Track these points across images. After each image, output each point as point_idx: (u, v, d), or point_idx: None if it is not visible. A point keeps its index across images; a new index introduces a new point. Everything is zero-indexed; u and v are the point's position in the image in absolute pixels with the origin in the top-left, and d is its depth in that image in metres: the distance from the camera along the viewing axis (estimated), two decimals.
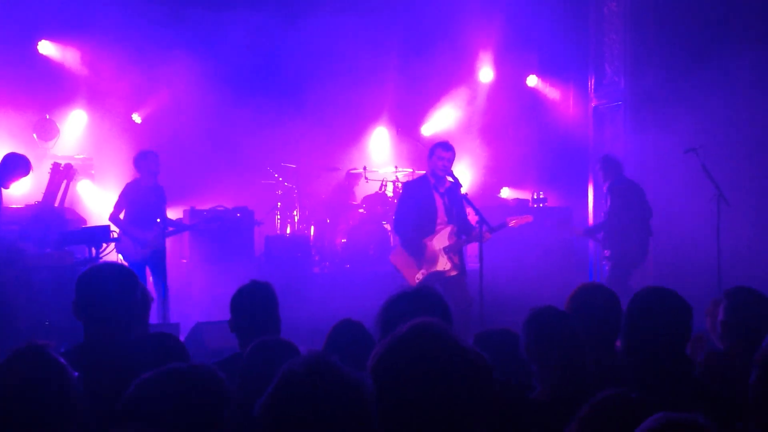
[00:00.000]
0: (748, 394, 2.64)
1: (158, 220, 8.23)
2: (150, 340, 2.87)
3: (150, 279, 8.22)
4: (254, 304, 3.57)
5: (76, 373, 2.27)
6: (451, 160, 7.05)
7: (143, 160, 8.19)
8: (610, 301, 3.64)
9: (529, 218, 7.33)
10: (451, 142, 7.29)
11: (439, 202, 7.09)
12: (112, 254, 7.81)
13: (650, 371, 3.07)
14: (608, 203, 8.35)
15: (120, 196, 8.16)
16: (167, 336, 2.88)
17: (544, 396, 2.94)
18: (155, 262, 8.17)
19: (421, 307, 3.05)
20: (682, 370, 3.12)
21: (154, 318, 7.76)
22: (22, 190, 8.61)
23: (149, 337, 2.93)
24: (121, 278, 3.17)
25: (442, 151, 7.03)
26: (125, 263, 8.08)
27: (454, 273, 7.04)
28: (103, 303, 3.05)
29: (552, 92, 11.67)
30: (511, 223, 7.11)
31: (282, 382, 1.90)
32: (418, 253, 7.02)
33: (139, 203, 8.10)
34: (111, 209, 8.13)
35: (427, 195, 7.11)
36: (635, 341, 3.21)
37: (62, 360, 2.26)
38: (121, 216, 8.07)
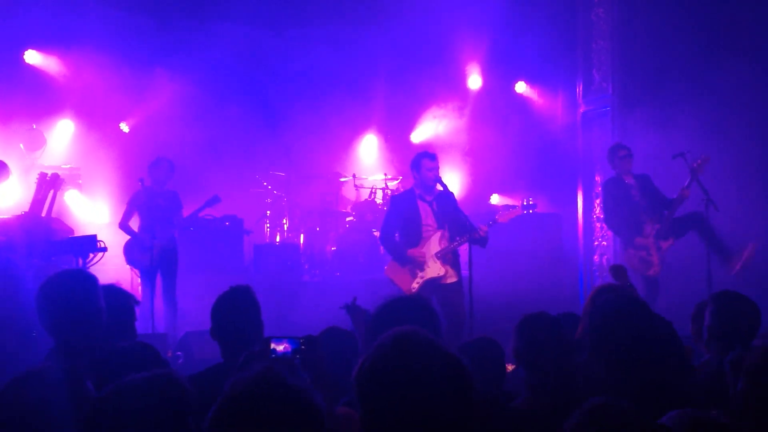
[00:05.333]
0: (732, 400, 2.62)
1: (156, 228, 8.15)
2: (127, 351, 2.83)
3: (153, 287, 8.19)
4: (233, 311, 3.53)
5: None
6: (438, 168, 7.07)
7: (151, 168, 8.37)
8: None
9: (518, 211, 7.01)
10: (433, 150, 7.33)
11: (425, 210, 7.05)
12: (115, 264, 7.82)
13: (621, 373, 2.98)
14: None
15: (127, 204, 8.36)
16: (145, 346, 2.85)
17: (530, 403, 2.91)
18: (166, 268, 8.19)
19: (409, 314, 3.03)
20: (654, 368, 3.01)
21: (162, 327, 7.77)
22: (9, 201, 8.55)
23: (126, 347, 2.89)
24: (80, 285, 3.12)
25: (429, 161, 7.02)
26: (137, 271, 8.15)
27: (450, 280, 6.98)
28: (64, 311, 3.01)
29: (540, 98, 11.67)
30: (501, 219, 6.95)
31: (226, 400, 1.89)
32: (405, 261, 7.00)
33: (146, 209, 8.16)
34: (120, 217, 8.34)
35: (411, 204, 7.10)
36: (601, 343, 3.11)
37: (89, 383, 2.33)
38: (130, 224, 8.24)
